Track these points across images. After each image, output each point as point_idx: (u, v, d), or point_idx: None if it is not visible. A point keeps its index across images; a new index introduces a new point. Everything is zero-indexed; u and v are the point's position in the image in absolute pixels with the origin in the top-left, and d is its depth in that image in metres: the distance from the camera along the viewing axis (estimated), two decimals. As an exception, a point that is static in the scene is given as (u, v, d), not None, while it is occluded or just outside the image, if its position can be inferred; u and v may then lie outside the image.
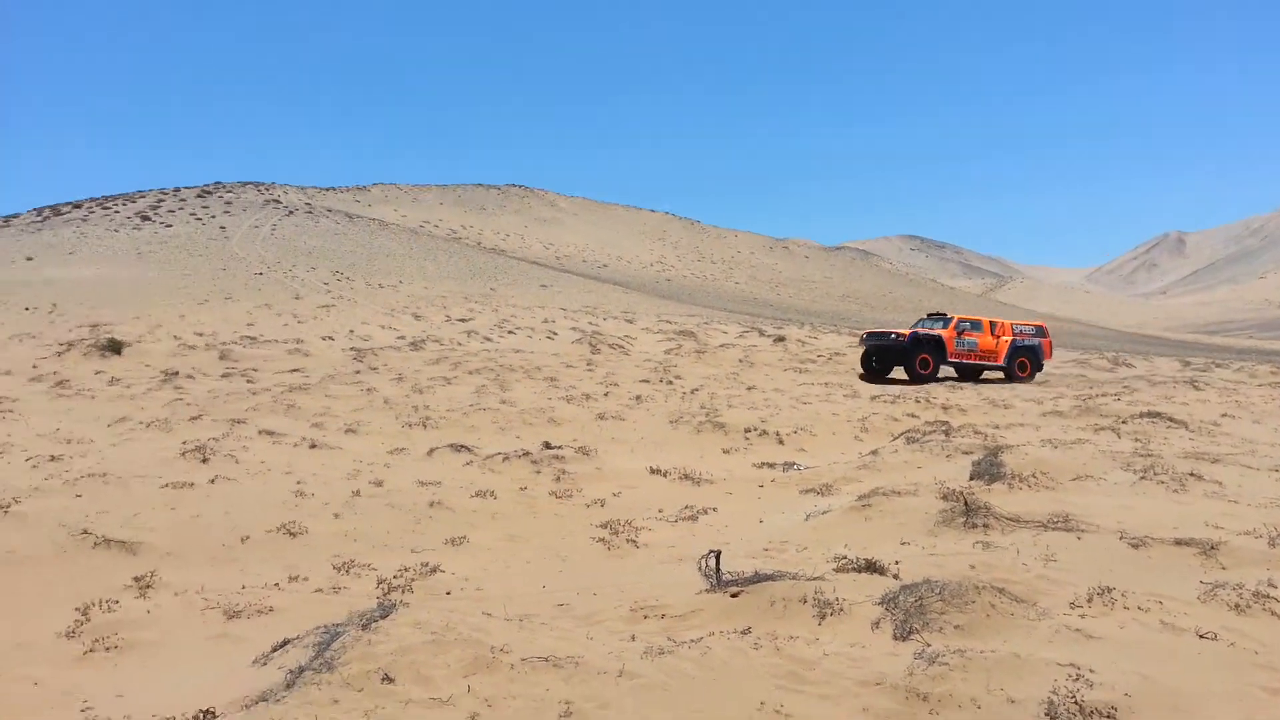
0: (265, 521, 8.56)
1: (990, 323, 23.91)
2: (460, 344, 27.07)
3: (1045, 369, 24.90)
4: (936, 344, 22.60)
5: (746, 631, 5.29)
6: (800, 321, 45.53)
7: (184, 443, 11.72)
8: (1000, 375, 24.04)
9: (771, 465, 11.81)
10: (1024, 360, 23.57)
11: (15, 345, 23.41)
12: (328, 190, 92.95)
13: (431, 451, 12.08)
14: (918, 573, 6.10)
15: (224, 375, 19.09)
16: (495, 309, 37.71)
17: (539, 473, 11.01)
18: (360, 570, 7.44)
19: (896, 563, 6.38)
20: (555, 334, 31.78)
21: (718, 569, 6.28)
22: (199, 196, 67.46)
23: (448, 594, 6.91)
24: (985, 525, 7.42)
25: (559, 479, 10.75)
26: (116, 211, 59.08)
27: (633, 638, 5.20)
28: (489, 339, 29.42)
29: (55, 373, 18.74)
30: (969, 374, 24.01)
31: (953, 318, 23.56)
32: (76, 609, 6.48)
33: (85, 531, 7.98)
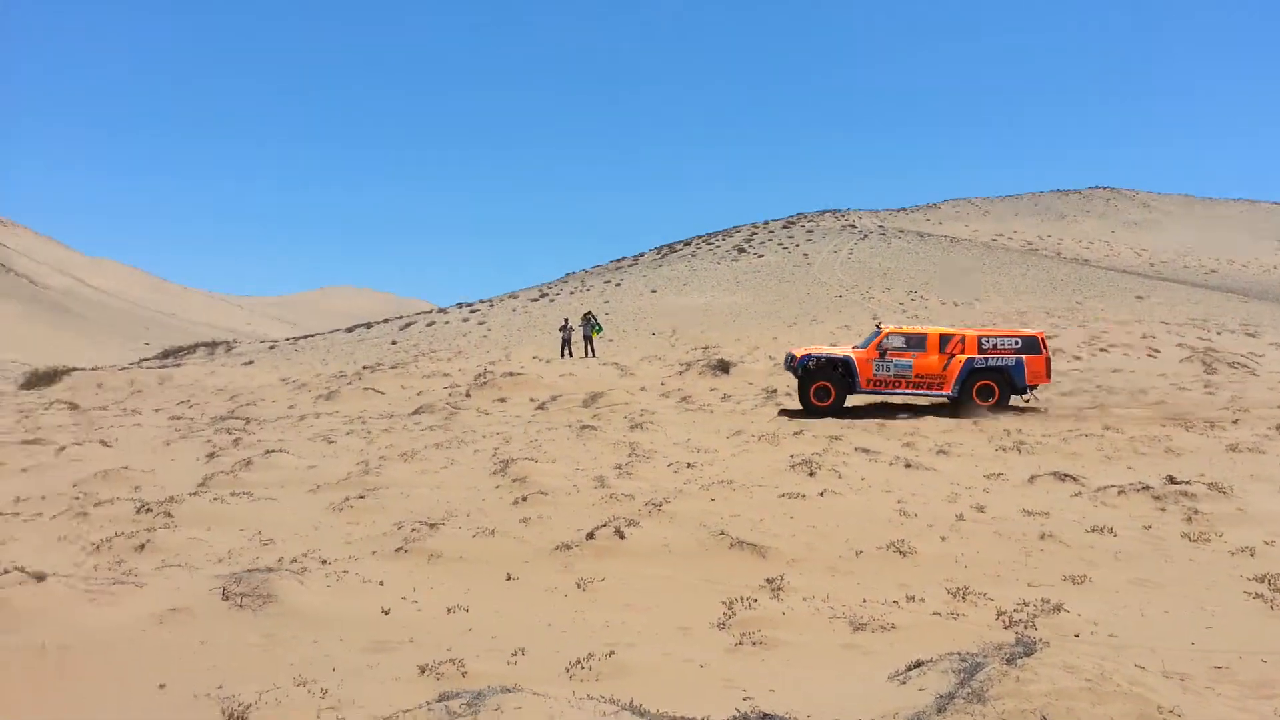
0: (874, 538, 8.86)
1: (940, 336, 17.85)
2: (1047, 363, 25.41)
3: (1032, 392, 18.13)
4: (842, 368, 17.83)
5: None
6: None
7: (791, 456, 12.73)
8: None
9: None
10: (987, 383, 17.52)
11: (645, 365, 27.76)
12: (898, 211, 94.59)
13: (1032, 479, 11.46)
14: None
15: (816, 393, 20.36)
16: (1083, 324, 34.77)
17: (1164, 510, 9.79)
18: (975, 598, 7.30)
19: None
20: (1157, 351, 28.31)
21: None
22: (784, 227, 73.37)
23: (1075, 636, 6.44)
24: None
25: (1190, 519, 9.44)
26: (717, 245, 66.93)
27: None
28: (1078, 357, 27.24)
29: (679, 389, 21.76)
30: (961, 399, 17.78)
31: (880, 330, 18.27)
32: (722, 602, 7.34)
33: (722, 533, 9.04)
